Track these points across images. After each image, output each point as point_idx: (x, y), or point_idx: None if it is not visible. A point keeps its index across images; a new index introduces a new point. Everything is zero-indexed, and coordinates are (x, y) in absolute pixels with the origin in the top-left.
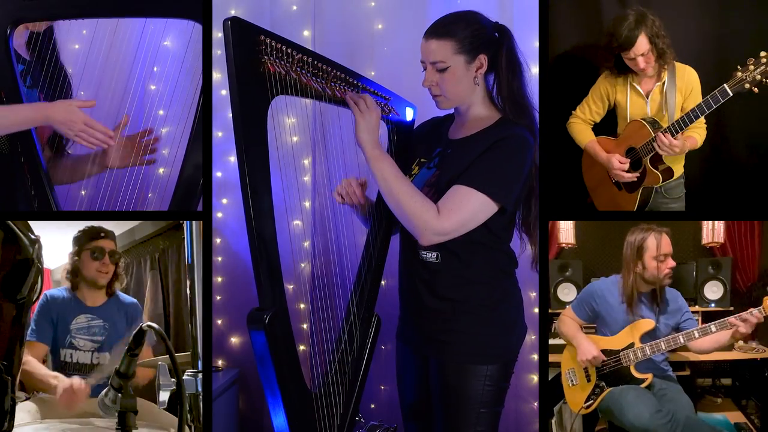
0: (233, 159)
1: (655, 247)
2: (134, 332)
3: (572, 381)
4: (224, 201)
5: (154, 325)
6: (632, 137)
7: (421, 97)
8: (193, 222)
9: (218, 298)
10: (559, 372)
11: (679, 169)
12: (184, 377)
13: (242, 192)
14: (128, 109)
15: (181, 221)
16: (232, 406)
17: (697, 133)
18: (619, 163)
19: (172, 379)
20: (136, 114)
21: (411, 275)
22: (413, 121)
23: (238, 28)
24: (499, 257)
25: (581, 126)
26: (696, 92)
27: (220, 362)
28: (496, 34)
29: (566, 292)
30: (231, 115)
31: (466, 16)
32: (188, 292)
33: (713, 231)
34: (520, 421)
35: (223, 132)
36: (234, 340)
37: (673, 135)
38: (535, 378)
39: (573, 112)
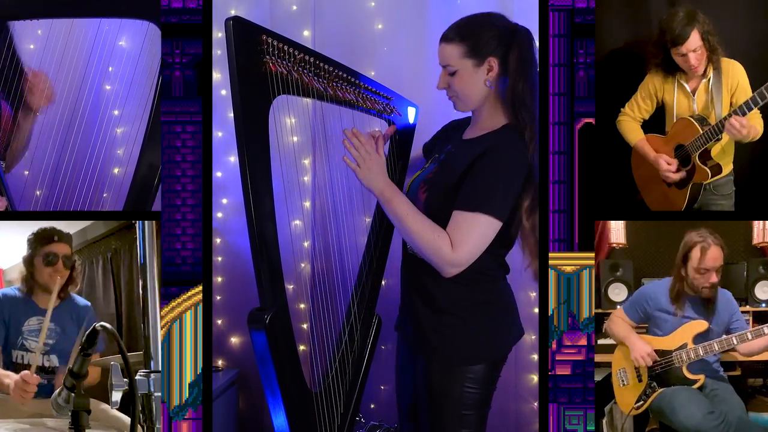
0: (233, 159)
1: (697, 260)
2: (87, 332)
3: (623, 381)
4: (224, 201)
5: (107, 325)
6: (680, 134)
7: (423, 97)
8: (146, 222)
9: (218, 298)
10: (610, 372)
11: (728, 166)
12: (137, 377)
13: (243, 192)
14: (83, 109)
15: (133, 221)
16: (232, 406)
17: (757, 123)
18: (666, 164)
19: (125, 379)
20: (90, 114)
21: (406, 271)
22: (416, 121)
23: (240, 27)
24: (484, 260)
25: (631, 124)
26: (743, 85)
27: (220, 362)
28: (512, 35)
29: (617, 292)
30: (231, 114)
31: (480, 19)
32: (140, 291)
33: (764, 231)
34: (520, 421)
35: (222, 132)
36: (234, 340)
37: (720, 131)
38: (535, 378)
39: (622, 109)
